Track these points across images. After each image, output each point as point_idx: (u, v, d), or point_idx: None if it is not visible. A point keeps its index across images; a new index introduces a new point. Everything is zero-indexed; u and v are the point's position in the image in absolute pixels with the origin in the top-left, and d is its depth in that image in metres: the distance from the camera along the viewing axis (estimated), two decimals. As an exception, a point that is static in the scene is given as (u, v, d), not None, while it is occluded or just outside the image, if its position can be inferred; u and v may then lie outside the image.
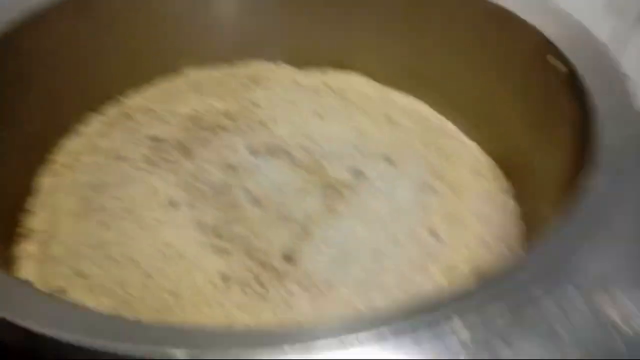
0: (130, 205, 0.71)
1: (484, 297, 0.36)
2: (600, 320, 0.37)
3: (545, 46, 0.68)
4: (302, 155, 0.85)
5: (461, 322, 0.34)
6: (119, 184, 0.76)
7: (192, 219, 0.71)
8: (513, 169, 0.82)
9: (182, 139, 0.86)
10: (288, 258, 0.70)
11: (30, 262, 0.65)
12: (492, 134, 0.87)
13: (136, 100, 0.92)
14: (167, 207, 0.73)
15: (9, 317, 0.35)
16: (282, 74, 1.01)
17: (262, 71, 1.01)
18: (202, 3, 0.95)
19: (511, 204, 0.81)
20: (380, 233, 0.74)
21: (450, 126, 0.93)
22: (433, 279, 0.68)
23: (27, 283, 0.57)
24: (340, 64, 1.03)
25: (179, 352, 0.32)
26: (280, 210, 0.76)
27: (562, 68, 0.64)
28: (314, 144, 0.87)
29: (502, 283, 0.38)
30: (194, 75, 0.99)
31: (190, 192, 0.76)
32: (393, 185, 0.81)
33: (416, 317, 0.34)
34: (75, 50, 0.80)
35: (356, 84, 1.00)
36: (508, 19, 0.75)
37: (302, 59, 1.03)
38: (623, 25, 1.09)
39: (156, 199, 0.73)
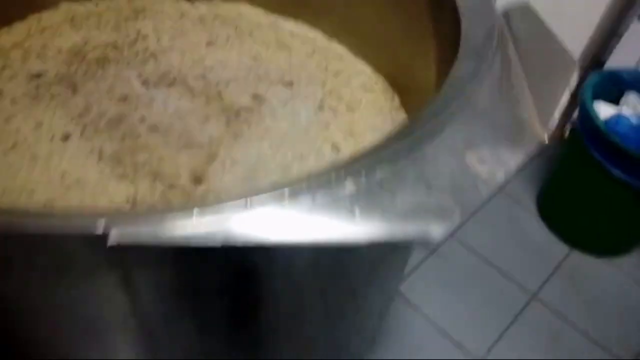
0: (17, 139, 0.67)
1: (371, 161, 0.41)
2: (468, 172, 0.43)
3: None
4: (199, 84, 0.84)
5: (351, 179, 0.38)
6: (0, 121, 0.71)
7: (89, 149, 0.69)
8: (398, 82, 0.89)
9: (65, 74, 0.81)
10: (197, 179, 0.71)
11: None
12: (379, 53, 0.92)
13: (8, 38, 0.84)
14: (58, 140, 0.70)
15: None
16: (168, 5, 0.98)
17: (146, 4, 0.97)
18: None
19: (401, 115, 0.87)
20: (287, 151, 0.77)
21: (340, 49, 0.96)
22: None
23: None
24: (229, -5, 1.02)
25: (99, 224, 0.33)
26: (182, 137, 0.75)
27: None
28: (210, 72, 0.87)
29: (385, 149, 0.42)
30: (71, 9, 0.92)
31: (81, 124, 0.73)
32: (293, 106, 0.84)
33: (311, 179, 0.38)
34: None
35: (246, 14, 1.00)
36: None
37: (188, -10, 1.00)
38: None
39: (45, 132, 0.69)
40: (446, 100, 0.50)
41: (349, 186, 0.37)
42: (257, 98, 0.84)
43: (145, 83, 0.83)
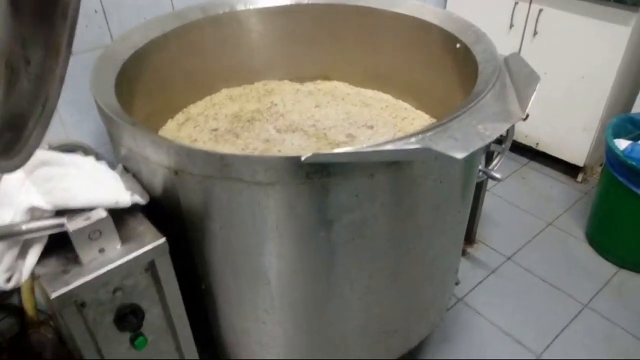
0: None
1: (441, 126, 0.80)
2: (476, 132, 0.80)
3: (453, 39, 1.16)
4: (312, 130, 1.29)
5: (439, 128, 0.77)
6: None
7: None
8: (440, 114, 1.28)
9: (230, 128, 1.29)
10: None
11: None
12: (430, 102, 1.34)
13: (195, 110, 1.35)
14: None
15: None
16: (287, 86, 1.47)
17: (273, 86, 1.47)
18: (231, 49, 1.41)
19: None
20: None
21: (405, 105, 1.39)
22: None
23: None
24: (326, 77, 1.51)
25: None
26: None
27: (459, 45, 1.12)
28: (318, 122, 1.32)
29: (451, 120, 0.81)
30: (228, 92, 1.43)
31: (247, 152, 1.18)
32: (374, 140, 1.26)
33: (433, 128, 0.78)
34: (168, 73, 1.24)
35: (339, 87, 1.47)
36: (429, 26, 1.24)
37: (299, 77, 1.50)
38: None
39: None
40: (468, 102, 0.89)
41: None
42: (349, 136, 1.27)
43: (278, 131, 1.29)
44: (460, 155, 0.74)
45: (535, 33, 1.93)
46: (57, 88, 0.44)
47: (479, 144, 0.78)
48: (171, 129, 1.27)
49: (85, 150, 1.00)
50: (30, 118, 0.49)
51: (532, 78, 0.90)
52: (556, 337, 1.52)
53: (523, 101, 0.86)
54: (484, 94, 0.90)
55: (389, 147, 0.73)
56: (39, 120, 0.49)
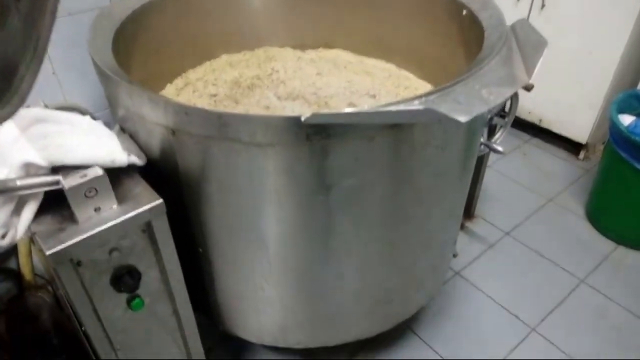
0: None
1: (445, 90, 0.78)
2: (480, 96, 0.79)
3: (459, 5, 1.14)
4: (313, 98, 1.27)
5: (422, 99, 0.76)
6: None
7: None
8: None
9: (230, 94, 1.27)
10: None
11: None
12: (434, 71, 1.31)
13: (194, 75, 1.33)
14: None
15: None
16: (289, 53, 1.44)
17: (275, 53, 1.44)
18: (232, 13, 1.38)
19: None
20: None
21: (408, 74, 1.37)
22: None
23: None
24: (328, 45, 1.48)
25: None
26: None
27: (465, 12, 1.10)
28: (319, 91, 1.29)
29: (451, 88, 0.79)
30: (228, 57, 1.41)
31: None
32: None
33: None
34: (167, 36, 1.21)
35: (341, 55, 1.44)
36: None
37: (301, 44, 1.47)
38: None
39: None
40: (473, 67, 0.87)
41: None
42: (351, 104, 1.25)
43: (279, 98, 1.27)
44: (463, 118, 0.72)
45: (543, 5, 1.89)
46: (48, 25, 0.42)
47: (483, 107, 0.76)
48: (170, 94, 1.25)
49: (83, 112, 0.98)
50: (21, 61, 0.48)
51: (539, 43, 0.87)
52: (551, 311, 1.53)
53: (529, 66, 0.84)
54: (490, 59, 0.87)
55: (391, 108, 0.71)
56: (30, 64, 0.47)
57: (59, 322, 1.33)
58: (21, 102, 0.51)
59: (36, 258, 1.32)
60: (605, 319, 1.50)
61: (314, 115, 0.72)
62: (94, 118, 0.94)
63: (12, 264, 1.39)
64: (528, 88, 0.99)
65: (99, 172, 0.77)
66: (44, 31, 0.43)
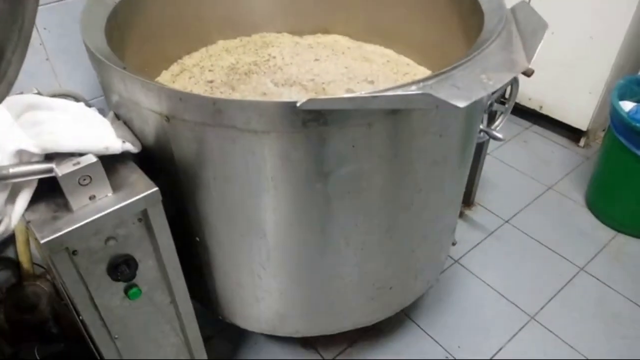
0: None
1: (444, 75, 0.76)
2: (480, 81, 0.77)
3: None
4: (310, 84, 1.25)
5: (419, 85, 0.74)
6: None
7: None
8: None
9: (226, 80, 1.25)
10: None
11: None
12: (433, 57, 1.29)
13: (190, 61, 1.31)
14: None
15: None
16: (286, 39, 1.43)
17: (272, 39, 1.42)
18: (228, 1, 1.35)
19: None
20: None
21: (407, 60, 1.35)
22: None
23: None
24: (326, 30, 1.46)
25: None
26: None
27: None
28: (317, 77, 1.28)
29: (449, 72, 0.78)
30: (225, 43, 1.39)
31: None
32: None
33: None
34: (161, 21, 1.20)
35: (339, 41, 1.42)
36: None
37: (299, 30, 1.45)
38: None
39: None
40: (472, 51, 0.85)
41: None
42: (349, 91, 1.23)
43: (276, 84, 1.25)
44: (462, 103, 0.71)
45: (544, -10, 1.86)
46: (32, 8, 0.41)
47: (482, 93, 0.75)
48: (165, 80, 1.24)
49: (77, 99, 0.97)
50: (7, 45, 0.46)
51: (539, 26, 0.86)
52: (550, 299, 1.52)
53: (529, 50, 0.83)
54: (489, 43, 0.86)
55: (388, 93, 0.70)
56: (16, 47, 0.46)
57: (57, 310, 1.33)
58: (9, 87, 0.50)
59: (34, 246, 1.31)
60: (604, 307, 1.50)
61: (309, 101, 0.71)
62: (88, 105, 0.92)
63: (10, 253, 1.39)
64: (528, 73, 0.98)
65: (93, 159, 0.76)
66: (29, 14, 0.41)
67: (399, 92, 0.71)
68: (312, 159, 0.82)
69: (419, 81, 0.75)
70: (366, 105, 0.74)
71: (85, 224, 0.77)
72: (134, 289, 0.90)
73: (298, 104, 0.71)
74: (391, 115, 0.80)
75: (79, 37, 0.94)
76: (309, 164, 0.83)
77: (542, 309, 1.50)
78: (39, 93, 0.93)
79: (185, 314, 1.02)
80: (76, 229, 0.76)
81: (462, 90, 0.74)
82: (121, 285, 0.89)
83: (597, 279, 1.58)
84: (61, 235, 0.75)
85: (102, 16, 1.00)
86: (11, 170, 0.72)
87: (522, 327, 1.45)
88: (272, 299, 1.07)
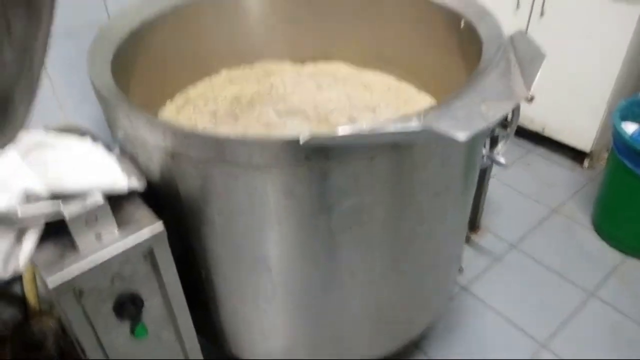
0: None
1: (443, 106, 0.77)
2: (479, 112, 0.78)
3: (457, 17, 1.13)
4: (313, 113, 1.26)
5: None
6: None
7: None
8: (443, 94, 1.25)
9: (230, 111, 1.26)
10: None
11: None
12: (434, 84, 1.31)
13: (194, 91, 1.33)
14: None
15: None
16: (288, 67, 1.44)
17: (273, 67, 1.44)
18: (230, 28, 1.38)
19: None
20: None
21: (407, 87, 1.36)
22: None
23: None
24: (327, 57, 1.48)
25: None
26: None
27: (463, 24, 1.09)
28: (320, 105, 1.29)
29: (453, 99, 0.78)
30: (228, 73, 1.41)
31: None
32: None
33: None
34: (166, 54, 1.22)
35: (340, 69, 1.44)
36: (432, 4, 1.20)
37: (300, 57, 1.47)
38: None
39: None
40: (471, 81, 0.86)
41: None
42: (351, 119, 1.24)
43: (279, 114, 1.26)
44: (462, 136, 0.71)
45: (542, 14, 1.88)
46: (41, 55, 0.42)
47: (482, 124, 0.75)
48: (170, 112, 1.25)
49: (83, 134, 0.98)
50: (15, 93, 0.47)
51: (537, 56, 0.87)
52: (561, 326, 1.50)
53: (528, 80, 0.83)
54: (487, 73, 0.87)
55: (389, 129, 0.70)
56: (24, 95, 0.47)
57: (64, 348, 1.32)
58: (16, 133, 0.51)
59: (39, 281, 1.31)
60: (617, 333, 1.47)
61: (312, 138, 0.71)
62: (94, 139, 0.93)
63: (16, 289, 1.39)
64: (528, 100, 0.98)
65: (100, 199, 0.76)
66: (37, 60, 0.42)
67: (400, 128, 0.71)
68: (315, 193, 0.82)
69: (418, 114, 0.76)
70: (367, 140, 0.74)
71: (92, 264, 0.77)
72: (140, 328, 0.89)
73: (301, 142, 0.72)
74: (393, 149, 0.81)
75: (85, 71, 0.95)
76: (312, 198, 0.83)
77: (552, 336, 1.47)
78: (46, 128, 0.94)
79: (192, 350, 1.01)
80: (83, 271, 0.76)
81: (462, 122, 0.74)
82: (127, 323, 0.89)
83: (608, 304, 1.56)
84: (69, 279, 0.75)
85: (108, 52, 1.01)
86: (20, 215, 0.73)
87: (533, 355, 1.42)
88: (278, 333, 1.06)
